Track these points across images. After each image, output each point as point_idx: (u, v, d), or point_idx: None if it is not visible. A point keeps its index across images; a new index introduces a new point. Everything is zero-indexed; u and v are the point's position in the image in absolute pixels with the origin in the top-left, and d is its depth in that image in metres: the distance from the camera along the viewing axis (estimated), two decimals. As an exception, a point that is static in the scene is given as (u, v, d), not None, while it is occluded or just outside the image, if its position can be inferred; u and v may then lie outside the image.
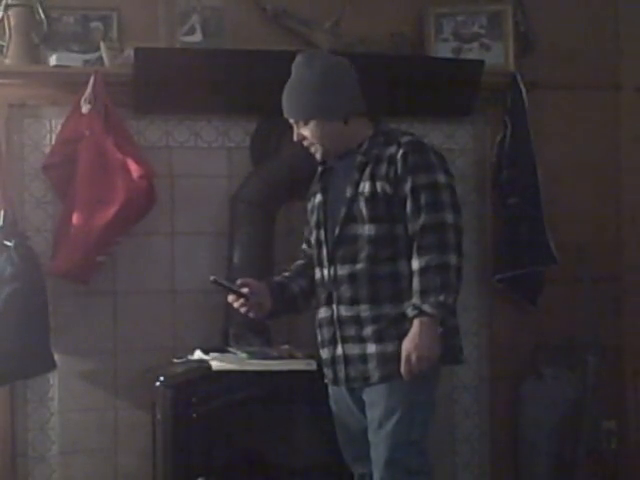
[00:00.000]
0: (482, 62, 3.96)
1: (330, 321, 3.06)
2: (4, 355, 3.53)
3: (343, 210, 3.02)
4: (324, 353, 3.10)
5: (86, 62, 3.82)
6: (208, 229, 3.93)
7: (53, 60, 3.72)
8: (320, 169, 3.19)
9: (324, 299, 3.09)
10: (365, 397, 3.02)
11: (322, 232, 3.10)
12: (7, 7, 3.74)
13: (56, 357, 3.69)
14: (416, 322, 2.87)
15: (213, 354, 3.60)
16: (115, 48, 3.83)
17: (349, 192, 3.02)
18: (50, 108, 3.81)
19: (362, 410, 3.06)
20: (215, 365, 3.50)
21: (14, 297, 3.52)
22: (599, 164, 4.31)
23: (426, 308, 2.85)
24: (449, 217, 2.91)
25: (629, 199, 4.34)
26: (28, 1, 3.75)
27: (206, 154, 3.94)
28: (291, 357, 3.56)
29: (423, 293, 2.87)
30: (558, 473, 4.09)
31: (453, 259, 2.88)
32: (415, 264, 2.90)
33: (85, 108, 3.66)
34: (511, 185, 4.05)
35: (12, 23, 3.74)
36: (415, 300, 2.88)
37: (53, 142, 3.78)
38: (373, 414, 2.99)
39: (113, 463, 3.88)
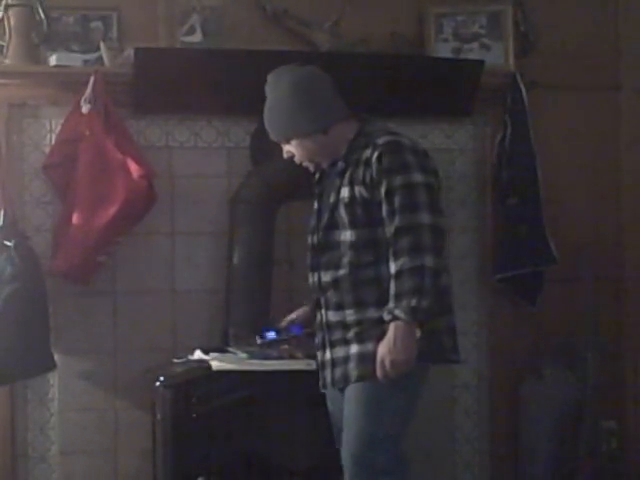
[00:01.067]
0: (482, 62, 3.96)
1: (320, 326, 3.08)
2: (4, 355, 3.53)
3: (326, 216, 3.03)
4: (318, 357, 3.12)
5: (86, 62, 3.81)
6: (208, 229, 3.93)
7: (53, 60, 3.72)
8: (317, 175, 3.20)
9: (315, 304, 3.11)
10: (345, 392, 3.02)
11: (314, 238, 3.11)
12: (7, 7, 3.74)
13: (56, 357, 3.69)
14: (391, 326, 2.85)
15: (213, 354, 3.60)
16: (115, 48, 3.83)
17: (332, 198, 3.02)
18: (50, 108, 3.81)
19: None
20: (215, 365, 3.50)
21: (14, 297, 3.52)
22: (599, 164, 4.31)
23: (398, 313, 2.82)
24: (424, 217, 2.86)
25: (629, 199, 4.34)
26: (28, 1, 3.74)
27: (206, 154, 3.95)
28: (291, 357, 3.55)
29: (397, 297, 2.83)
30: (558, 473, 4.09)
31: (429, 261, 2.82)
32: (392, 268, 2.87)
33: (85, 108, 3.66)
34: (511, 185, 4.05)
35: (12, 23, 3.74)
36: (390, 304, 2.85)
37: (53, 142, 3.78)
38: (346, 411, 2.99)
39: (113, 463, 3.88)
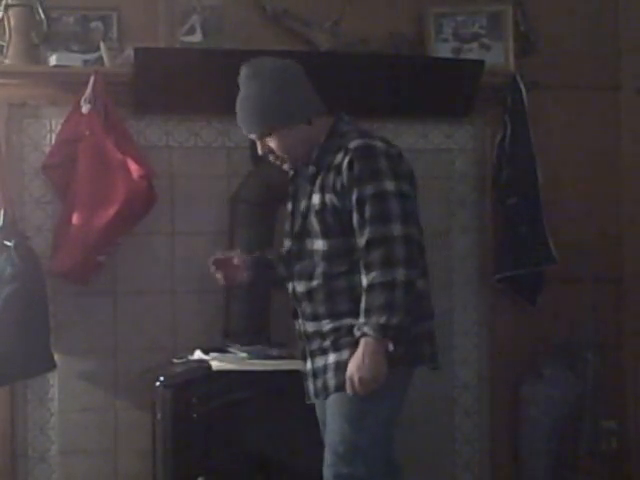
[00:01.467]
0: (482, 62, 3.96)
1: (300, 336, 3.04)
2: (4, 355, 3.53)
3: (298, 224, 2.96)
4: (301, 368, 3.08)
5: (86, 62, 3.81)
6: (208, 229, 3.93)
7: (53, 60, 3.72)
8: (291, 173, 3.10)
9: (293, 314, 3.05)
10: (327, 403, 2.97)
11: (288, 243, 3.04)
12: (7, 7, 3.74)
13: (56, 357, 3.69)
14: (361, 342, 2.77)
15: (213, 354, 3.60)
16: (115, 48, 3.83)
17: (303, 204, 2.93)
18: (50, 108, 3.81)
19: None
20: (215, 365, 3.50)
21: (14, 297, 3.52)
22: (599, 164, 4.31)
23: (367, 330, 2.75)
24: (396, 229, 2.75)
25: (629, 199, 4.34)
26: (28, 1, 3.74)
27: (206, 154, 3.95)
28: (291, 357, 3.55)
29: (367, 313, 2.76)
30: (558, 473, 4.10)
31: (400, 275, 2.73)
32: (363, 281, 2.79)
33: (85, 108, 3.66)
34: (511, 185, 4.05)
35: (12, 23, 3.74)
36: (360, 319, 2.78)
37: (53, 142, 3.78)
38: (328, 422, 2.95)
39: (113, 463, 3.88)
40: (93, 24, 3.89)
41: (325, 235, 2.88)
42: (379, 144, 2.86)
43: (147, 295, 3.89)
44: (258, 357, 3.54)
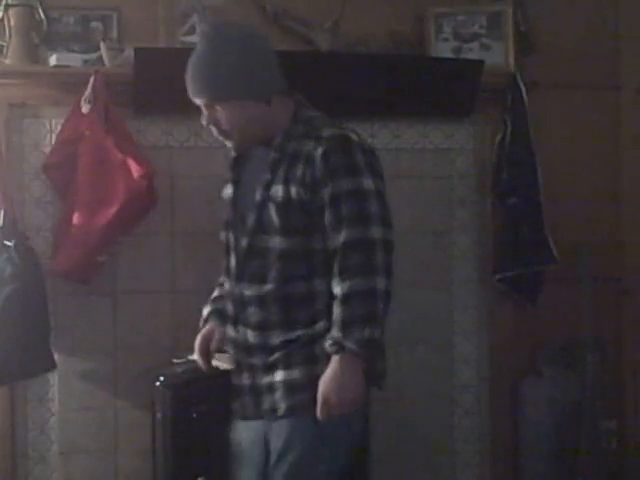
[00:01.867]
0: (482, 62, 3.95)
1: (235, 345, 2.69)
2: (4, 355, 3.53)
3: (252, 217, 2.58)
4: (233, 380, 2.75)
5: (86, 62, 3.81)
6: (208, 229, 3.92)
7: (53, 60, 3.72)
8: (233, 155, 2.77)
9: (232, 318, 2.69)
10: (273, 426, 2.62)
11: (231, 237, 2.69)
12: (7, 7, 3.74)
13: (56, 357, 3.69)
14: (337, 359, 2.44)
15: (213, 354, 3.60)
16: (115, 48, 3.83)
17: (259, 195, 2.57)
18: (50, 108, 3.81)
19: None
20: (215, 365, 3.50)
21: (14, 297, 3.52)
22: (599, 164, 4.31)
23: (349, 345, 2.42)
24: (377, 231, 2.46)
25: (629, 199, 4.34)
26: (28, 1, 3.75)
27: (206, 154, 3.94)
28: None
29: (346, 326, 2.42)
30: (558, 473, 4.09)
31: (381, 283, 2.44)
32: (337, 289, 2.45)
33: (85, 108, 3.66)
34: (511, 185, 4.05)
35: (12, 23, 3.74)
36: (336, 333, 2.44)
37: (53, 142, 3.78)
38: (275, 445, 2.60)
39: (113, 463, 3.88)
40: (93, 24, 3.89)
41: (285, 232, 2.54)
42: (355, 137, 2.57)
43: (147, 295, 3.89)
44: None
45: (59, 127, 3.76)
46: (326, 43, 3.96)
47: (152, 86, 3.73)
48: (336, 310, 2.45)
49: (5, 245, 3.57)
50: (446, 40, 4.11)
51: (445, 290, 4.12)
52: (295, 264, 2.55)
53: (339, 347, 2.43)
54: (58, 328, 3.75)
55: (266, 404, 2.61)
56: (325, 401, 2.46)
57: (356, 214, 2.47)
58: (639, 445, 4.31)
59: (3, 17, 3.75)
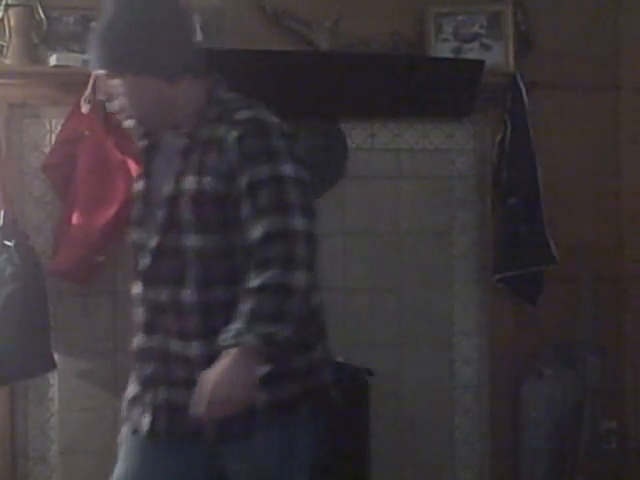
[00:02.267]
0: (482, 62, 3.95)
1: (150, 355, 2.40)
2: (4, 355, 3.53)
3: (162, 213, 2.31)
4: (140, 395, 2.45)
5: (86, 62, 3.80)
6: (208, 229, 3.92)
7: (53, 60, 3.72)
8: (144, 144, 2.48)
9: (144, 325, 2.41)
10: (224, 452, 2.33)
11: (143, 234, 2.40)
12: (7, 7, 3.74)
13: (56, 357, 3.69)
14: (231, 352, 2.13)
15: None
16: (115, 48, 3.83)
17: (169, 187, 2.30)
18: (50, 108, 3.81)
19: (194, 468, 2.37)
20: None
21: (14, 297, 3.52)
22: (599, 164, 4.31)
23: (250, 338, 2.11)
24: (298, 222, 2.19)
25: (629, 199, 4.33)
26: (28, 1, 3.75)
27: (206, 154, 3.94)
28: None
29: (251, 318, 2.13)
30: (558, 473, 4.09)
31: (300, 279, 2.16)
32: (252, 281, 2.16)
33: (85, 108, 3.66)
34: (511, 185, 4.05)
35: (12, 23, 3.74)
36: (239, 324, 2.13)
37: (53, 142, 3.78)
38: (234, 470, 2.34)
39: (113, 463, 3.87)
40: (93, 24, 3.87)
41: (200, 229, 2.26)
42: (273, 119, 2.30)
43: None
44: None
45: (59, 127, 3.76)
46: (326, 43, 3.96)
47: (152, 86, 3.72)
48: (243, 303, 2.16)
49: (5, 245, 3.57)
50: (446, 40, 4.11)
51: (445, 290, 4.11)
52: (215, 265, 2.27)
53: (237, 341, 2.12)
54: (58, 328, 3.75)
55: (186, 423, 2.27)
56: (206, 395, 2.14)
57: (275, 203, 2.21)
58: (639, 445, 4.31)
59: (3, 17, 3.75)
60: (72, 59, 3.76)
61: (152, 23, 2.30)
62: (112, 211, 3.62)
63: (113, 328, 3.86)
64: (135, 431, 2.42)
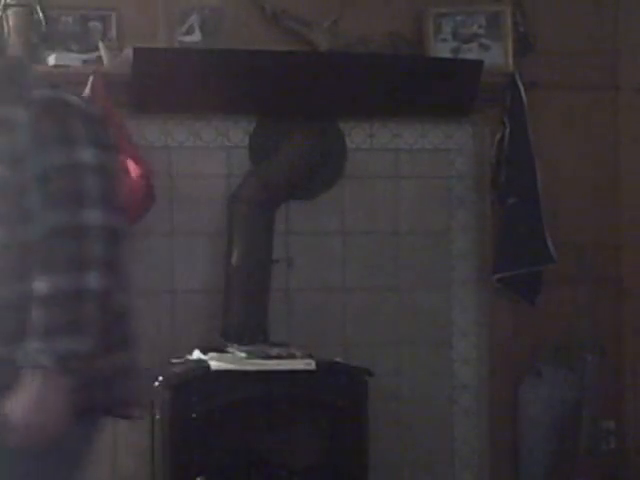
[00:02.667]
0: (481, 62, 3.95)
1: None
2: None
3: None
4: None
5: (85, 62, 3.81)
6: (207, 229, 3.93)
7: (52, 60, 3.72)
8: None
9: None
10: None
11: None
12: (6, 7, 3.74)
13: (55, 357, 3.68)
14: (32, 375, 1.91)
15: (212, 354, 3.60)
16: (114, 48, 3.83)
17: None
18: (49, 108, 3.80)
19: None
20: (214, 365, 3.50)
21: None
22: (598, 164, 4.31)
23: (45, 359, 1.89)
24: (94, 216, 1.95)
25: (629, 199, 4.33)
26: (27, 1, 3.75)
27: (205, 154, 3.94)
28: (290, 357, 3.55)
29: (45, 334, 1.90)
30: (557, 473, 4.09)
31: (94, 282, 1.93)
32: (39, 286, 1.92)
33: (84, 108, 3.65)
34: (511, 185, 4.05)
35: (11, 23, 3.74)
36: (33, 343, 1.90)
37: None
38: None
39: (112, 463, 3.88)
40: (92, 24, 3.89)
41: None
42: (76, 100, 2.08)
43: (146, 295, 3.88)
44: (257, 357, 3.54)
45: (58, 127, 3.75)
46: (326, 43, 3.96)
47: (151, 86, 3.74)
48: (36, 314, 1.92)
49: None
50: (445, 40, 4.11)
51: (444, 290, 4.11)
52: (5, 263, 2.00)
53: (35, 363, 1.90)
54: (57, 328, 3.75)
55: None
56: (20, 425, 1.93)
57: (67, 194, 1.96)
58: (638, 445, 4.31)
59: (2, 17, 3.75)
60: (71, 59, 3.77)
61: None
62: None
63: (112, 328, 3.86)
64: None
